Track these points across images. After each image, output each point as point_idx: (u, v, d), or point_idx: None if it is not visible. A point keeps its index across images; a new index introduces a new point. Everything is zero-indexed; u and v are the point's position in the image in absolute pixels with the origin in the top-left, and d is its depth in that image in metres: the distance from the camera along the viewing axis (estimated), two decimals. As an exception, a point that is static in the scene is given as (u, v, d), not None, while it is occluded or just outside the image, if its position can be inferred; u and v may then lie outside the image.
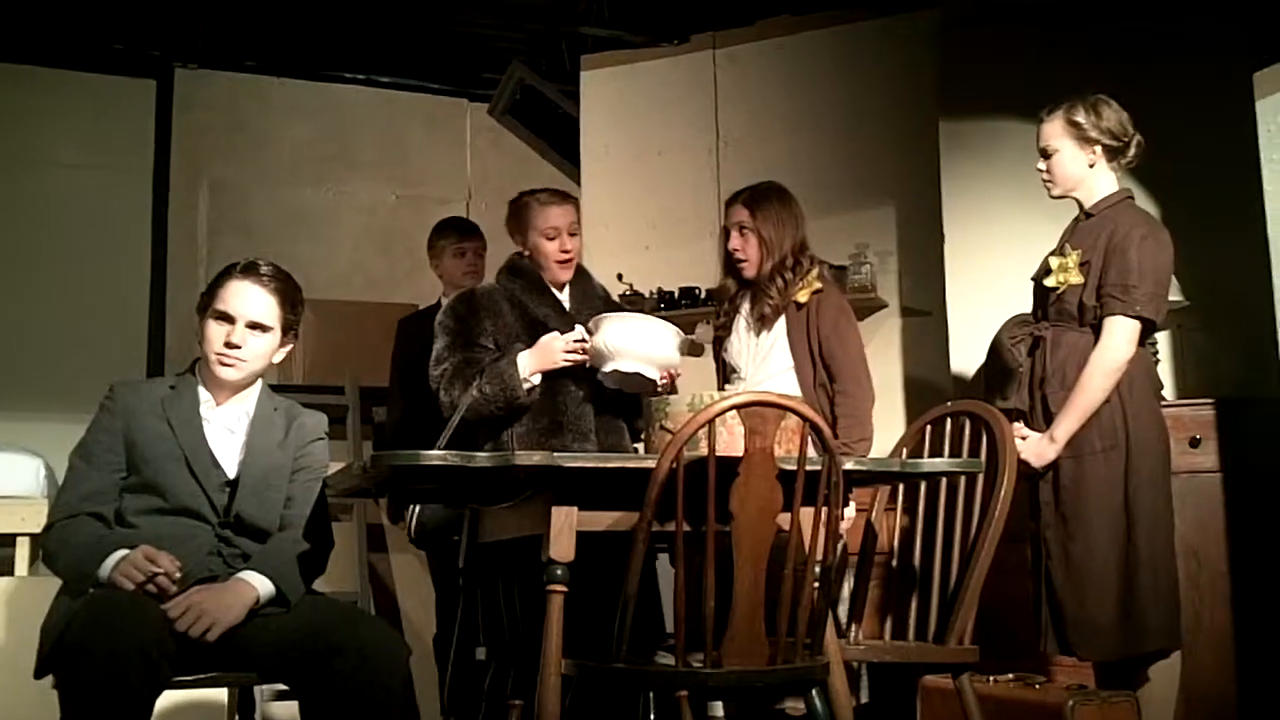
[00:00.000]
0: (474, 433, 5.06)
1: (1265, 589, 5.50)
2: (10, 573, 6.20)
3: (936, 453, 4.85)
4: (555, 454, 3.61)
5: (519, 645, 4.34)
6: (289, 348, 4.40)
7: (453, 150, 9.98)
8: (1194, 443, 5.59)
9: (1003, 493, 4.41)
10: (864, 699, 5.60)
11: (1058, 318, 4.89)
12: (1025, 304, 5.20)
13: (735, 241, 5.48)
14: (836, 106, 7.82)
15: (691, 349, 5.66)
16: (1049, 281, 4.91)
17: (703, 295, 7.57)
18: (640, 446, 5.17)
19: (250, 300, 4.21)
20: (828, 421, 5.17)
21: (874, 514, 4.98)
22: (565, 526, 3.66)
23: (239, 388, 4.29)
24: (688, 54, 8.31)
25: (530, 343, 5.06)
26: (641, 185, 8.30)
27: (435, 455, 3.54)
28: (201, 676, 3.95)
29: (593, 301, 5.35)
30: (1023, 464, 4.74)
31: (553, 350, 5.00)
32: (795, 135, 7.87)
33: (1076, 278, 4.82)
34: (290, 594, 4.03)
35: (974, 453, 4.64)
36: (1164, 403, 5.00)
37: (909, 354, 7.41)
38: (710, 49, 8.25)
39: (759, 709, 4.70)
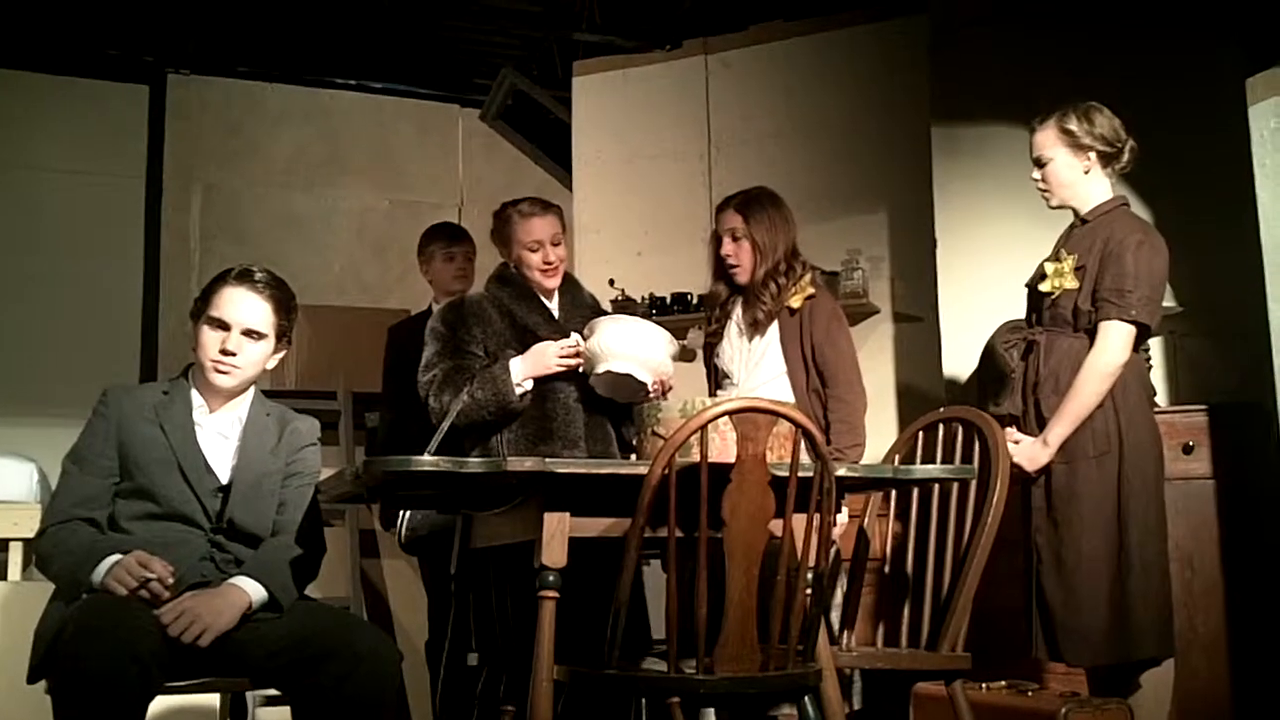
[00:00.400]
0: (461, 439, 5.05)
1: (1258, 596, 5.50)
2: (3, 578, 6.19)
3: (929, 459, 4.85)
4: (547, 460, 3.61)
5: (511, 651, 4.34)
6: (283, 354, 4.40)
7: (445, 156, 10.01)
8: (1187, 449, 5.59)
9: (995, 499, 4.40)
10: (856, 706, 5.60)
11: (1052, 323, 4.88)
12: (1018, 310, 5.20)
13: (728, 247, 5.48)
14: (828, 112, 7.83)
15: (681, 354, 5.66)
16: (1044, 286, 4.91)
17: (694, 301, 7.58)
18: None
19: (246, 307, 4.21)
20: (820, 427, 5.19)
21: (866, 520, 4.98)
22: (557, 532, 3.65)
23: (233, 393, 4.29)
24: (679, 60, 8.33)
25: (520, 350, 5.06)
26: (633, 191, 8.31)
27: (427, 461, 3.54)
28: (194, 682, 3.95)
29: (582, 310, 5.35)
30: (1015, 468, 4.74)
31: (546, 356, 5.00)
32: (787, 141, 7.88)
33: (1071, 282, 4.81)
34: (283, 599, 4.03)
35: (966, 459, 4.64)
36: (1157, 409, 5.00)
37: (901, 360, 7.42)
38: (702, 55, 8.26)
39: (752, 716, 4.69)
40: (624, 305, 7.52)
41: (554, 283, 5.28)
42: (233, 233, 9.21)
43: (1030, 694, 4.66)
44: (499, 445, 5.06)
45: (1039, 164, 4.97)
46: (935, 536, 4.66)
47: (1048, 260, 4.96)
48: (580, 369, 5.00)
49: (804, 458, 3.64)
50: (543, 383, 5.05)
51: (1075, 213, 4.96)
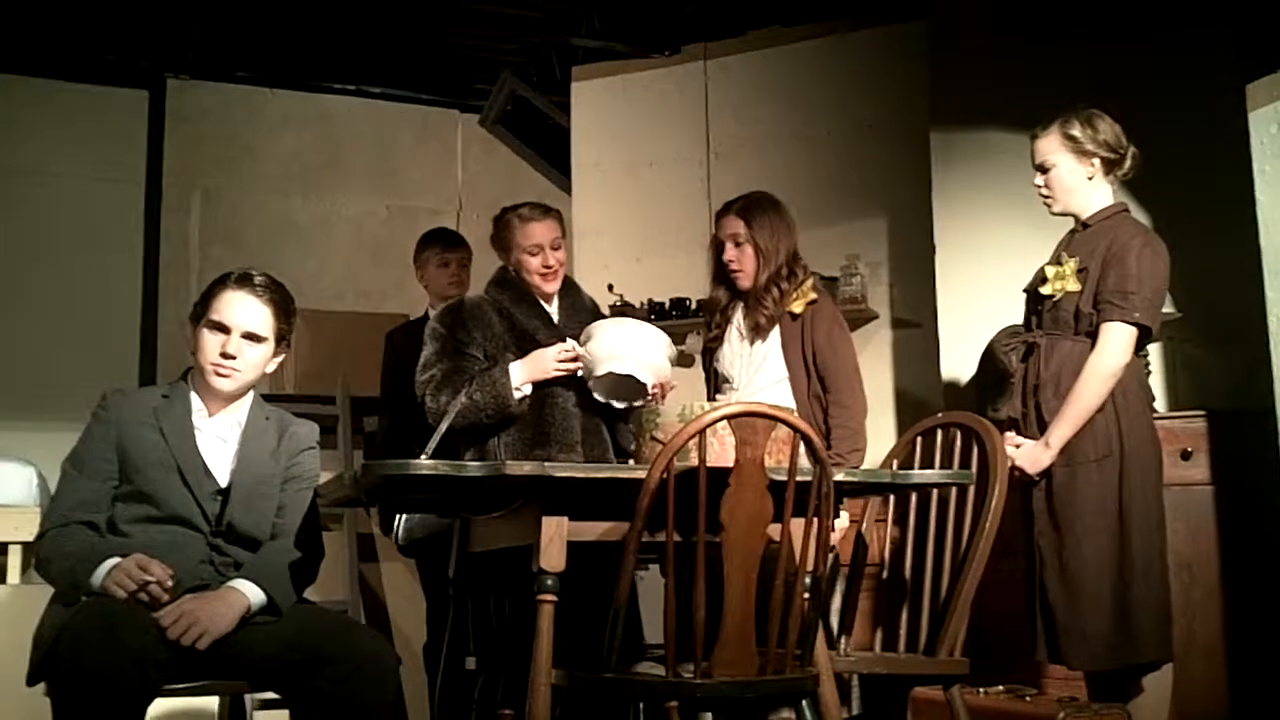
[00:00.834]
0: (455, 443, 5.05)
1: (1257, 602, 5.50)
2: (3, 581, 6.19)
3: (927, 464, 4.85)
4: (546, 464, 3.62)
5: (509, 655, 4.34)
6: (282, 358, 4.40)
7: (444, 161, 10.02)
8: (1185, 455, 5.59)
9: (993, 504, 4.41)
10: (855, 710, 5.60)
11: (1053, 325, 4.88)
12: (1016, 315, 5.20)
13: (730, 253, 5.46)
14: (827, 117, 7.83)
15: (680, 359, 5.66)
16: (1045, 289, 4.90)
17: (693, 306, 7.58)
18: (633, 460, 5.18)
19: (245, 311, 4.21)
20: (820, 432, 5.19)
21: (865, 525, 4.98)
22: (555, 536, 3.66)
23: (232, 397, 4.29)
24: (678, 65, 8.33)
25: (519, 354, 5.06)
26: (632, 196, 8.32)
27: (426, 465, 3.54)
28: (193, 685, 3.95)
29: (581, 314, 5.36)
30: (1017, 471, 4.74)
31: (544, 361, 5.01)
32: (786, 146, 7.88)
33: (1074, 285, 4.81)
34: (281, 603, 4.03)
35: (965, 464, 4.64)
36: (1156, 415, 5.00)
37: (900, 365, 7.42)
38: (701, 60, 8.26)
39: (750, 721, 4.71)
40: (623, 310, 7.52)
41: (553, 287, 5.29)
42: (232, 238, 9.22)
43: (1028, 699, 4.66)
44: (496, 449, 5.06)
45: (1042, 170, 4.96)
46: (933, 541, 4.66)
47: (1048, 264, 4.96)
48: (579, 374, 5.00)
49: (804, 462, 3.64)
50: (540, 387, 5.05)
51: (1076, 218, 4.96)
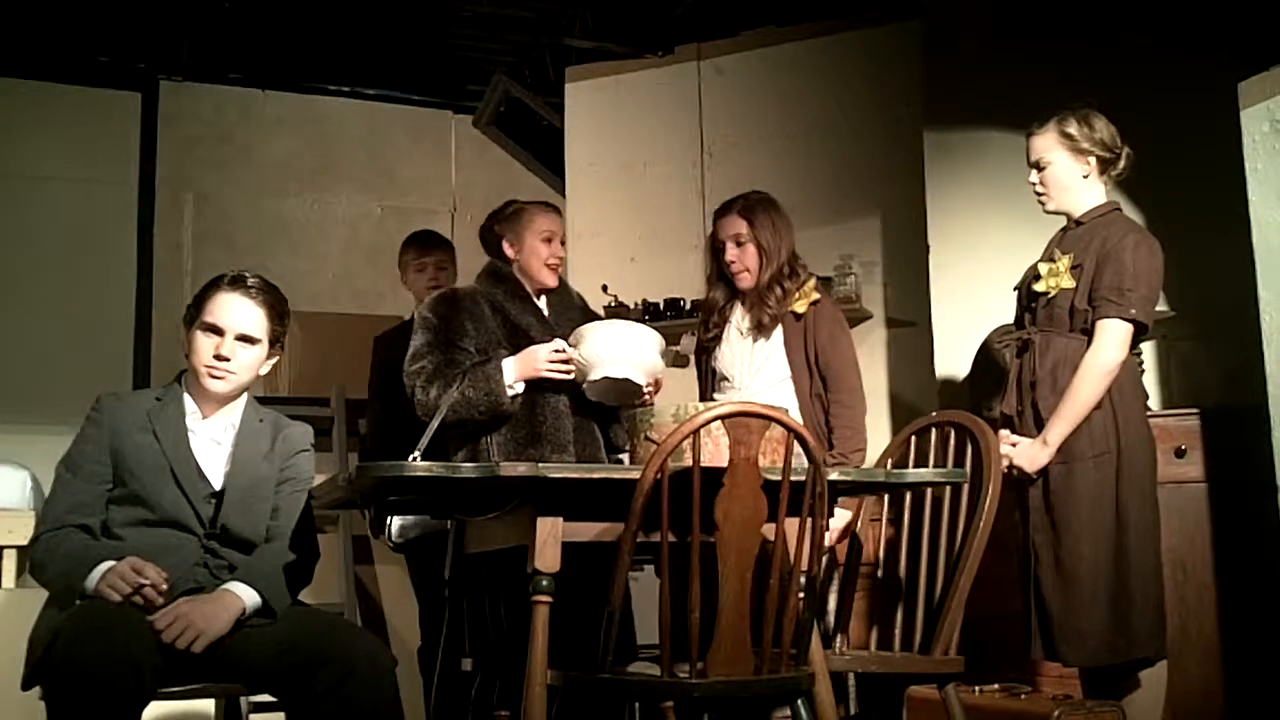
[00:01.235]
0: (446, 442, 5.05)
1: (1250, 599, 5.50)
2: (-3, 585, 6.20)
3: (922, 463, 4.86)
4: (540, 465, 3.62)
5: (505, 656, 4.34)
6: (275, 360, 4.40)
7: (438, 162, 10.02)
8: (1179, 453, 5.59)
9: (988, 503, 4.41)
10: (853, 710, 5.60)
11: (1047, 322, 4.87)
12: (1010, 314, 5.19)
13: (732, 252, 5.44)
14: (821, 117, 7.84)
15: (676, 360, 5.66)
16: (1039, 286, 4.90)
17: (688, 306, 7.59)
18: (624, 458, 5.18)
19: (239, 313, 4.21)
20: (818, 432, 5.21)
21: (859, 524, 4.99)
22: (550, 537, 3.66)
23: (226, 399, 4.29)
24: (672, 66, 8.34)
25: (512, 350, 5.05)
26: (626, 197, 8.32)
27: (420, 467, 3.55)
28: (188, 688, 3.96)
29: (571, 312, 5.36)
30: (1016, 470, 4.75)
31: (536, 359, 4.99)
32: (780, 146, 7.89)
33: (1068, 281, 4.81)
34: (276, 605, 4.03)
35: (959, 463, 4.64)
36: (1150, 413, 5.00)
37: (894, 365, 7.43)
38: (695, 61, 8.27)
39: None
40: (617, 311, 7.52)
41: (553, 280, 5.30)
42: (225, 239, 9.22)
43: (1023, 697, 4.66)
44: (488, 449, 5.05)
45: (1037, 167, 4.95)
46: (928, 540, 4.66)
47: (1041, 261, 4.96)
48: (573, 377, 4.99)
49: (800, 461, 3.65)
50: (531, 387, 5.04)
51: (1068, 216, 4.96)
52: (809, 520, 3.68)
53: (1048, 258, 4.94)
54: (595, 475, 3.67)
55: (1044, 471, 4.77)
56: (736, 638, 3.58)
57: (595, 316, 5.57)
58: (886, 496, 5.07)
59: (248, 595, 3.98)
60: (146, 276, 9.01)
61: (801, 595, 3.75)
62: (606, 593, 3.56)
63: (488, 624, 4.50)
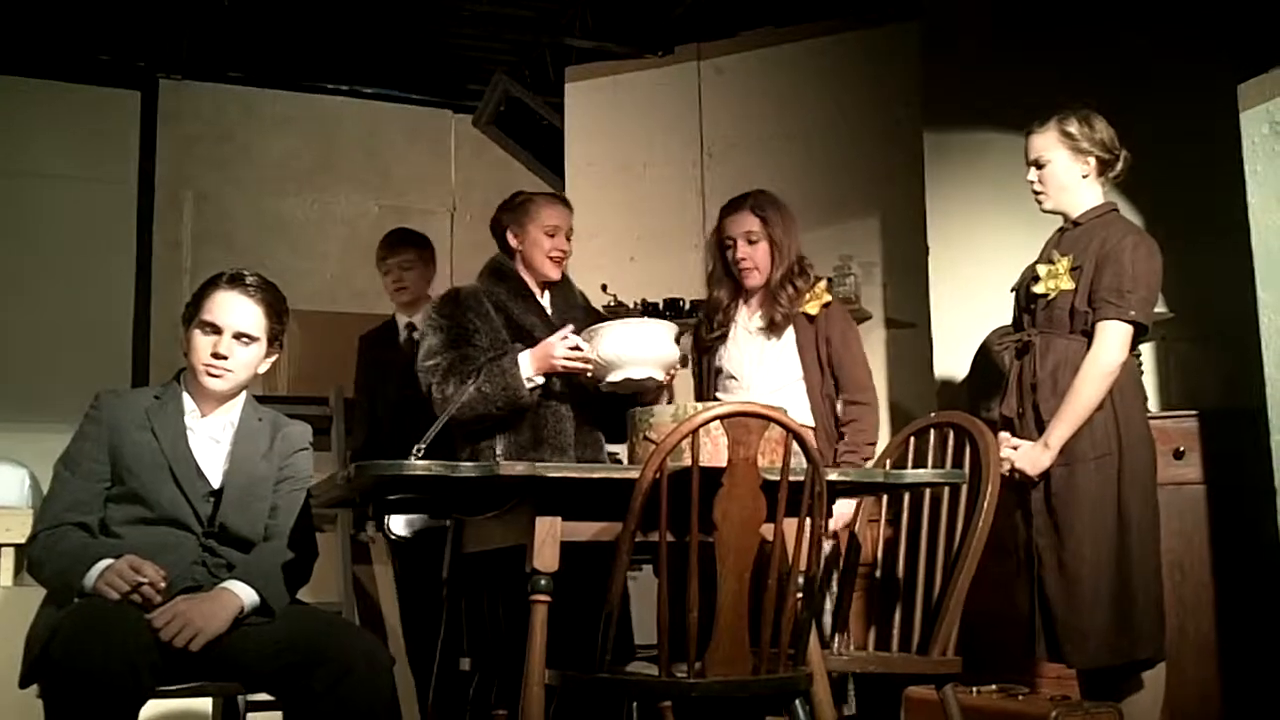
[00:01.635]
0: (451, 442, 5.04)
1: (1248, 601, 5.50)
2: (-5, 583, 6.20)
3: (920, 464, 4.85)
4: (538, 464, 3.62)
5: (503, 655, 4.34)
6: (274, 358, 4.39)
7: (437, 161, 10.02)
8: (1178, 454, 5.59)
9: (986, 504, 4.41)
10: (852, 710, 5.60)
11: (1047, 324, 4.87)
12: (1009, 315, 5.19)
13: (743, 250, 5.40)
14: (821, 118, 7.85)
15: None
16: (1038, 288, 4.89)
17: (687, 306, 7.58)
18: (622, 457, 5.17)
19: (237, 311, 4.20)
20: (829, 433, 5.21)
21: (858, 525, 4.99)
22: (549, 537, 3.66)
23: (224, 398, 4.29)
24: (672, 66, 8.35)
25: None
26: (626, 197, 8.33)
27: (419, 465, 3.55)
28: (186, 686, 3.95)
29: (574, 311, 5.33)
30: (1018, 473, 4.75)
31: (551, 352, 4.94)
32: (779, 147, 7.89)
33: (1068, 283, 4.81)
34: (274, 604, 4.02)
35: (957, 464, 4.64)
36: (1149, 414, 5.00)
37: (893, 365, 7.43)
38: (694, 61, 8.28)
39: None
40: (616, 311, 7.52)
41: (557, 273, 5.28)
42: (224, 238, 9.22)
43: (1021, 698, 4.66)
44: (489, 451, 5.04)
45: (1037, 165, 4.95)
46: (926, 541, 4.66)
47: (1039, 263, 4.96)
48: (590, 375, 4.95)
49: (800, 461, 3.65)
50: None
51: (1066, 216, 4.96)
52: (808, 520, 3.68)
53: (1046, 259, 4.93)
54: (594, 475, 3.68)
55: (1045, 473, 4.77)
56: (735, 638, 3.58)
57: (599, 316, 5.55)
58: (885, 497, 5.07)
59: (246, 594, 3.98)
60: (146, 275, 9.01)
61: (800, 595, 3.75)
62: (605, 592, 3.56)
63: (486, 623, 4.50)
